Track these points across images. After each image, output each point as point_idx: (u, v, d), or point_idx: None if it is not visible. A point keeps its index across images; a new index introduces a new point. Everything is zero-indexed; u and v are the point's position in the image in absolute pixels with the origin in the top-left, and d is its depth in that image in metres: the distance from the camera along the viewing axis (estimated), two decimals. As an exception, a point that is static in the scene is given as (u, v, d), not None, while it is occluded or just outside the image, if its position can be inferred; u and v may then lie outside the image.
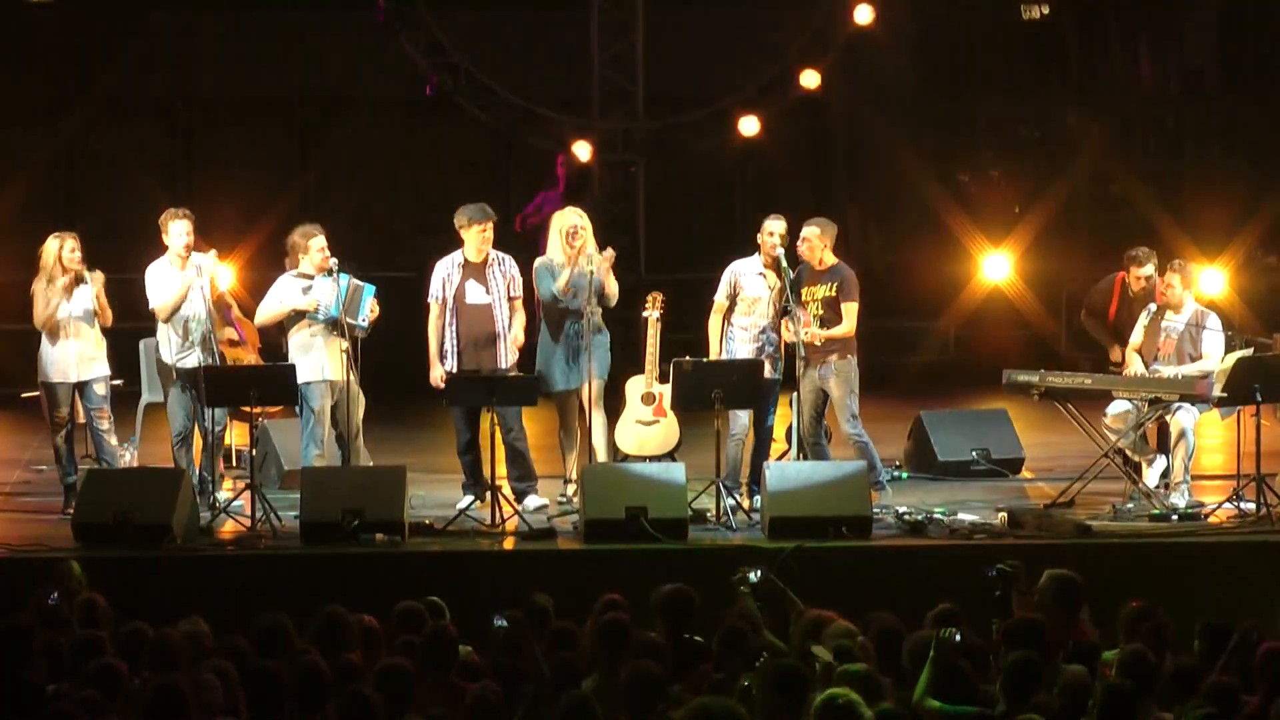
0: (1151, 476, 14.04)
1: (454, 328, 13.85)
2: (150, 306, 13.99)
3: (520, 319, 13.93)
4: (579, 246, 13.89)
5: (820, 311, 13.79)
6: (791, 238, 13.91)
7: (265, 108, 21.51)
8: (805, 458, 13.87)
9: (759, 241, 13.94)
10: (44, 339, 13.88)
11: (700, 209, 22.11)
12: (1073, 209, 22.03)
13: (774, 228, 13.89)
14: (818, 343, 13.69)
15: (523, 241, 18.04)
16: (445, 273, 13.88)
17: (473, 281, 13.86)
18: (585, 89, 20.66)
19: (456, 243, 13.97)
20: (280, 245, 14.33)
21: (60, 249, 13.82)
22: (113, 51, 20.87)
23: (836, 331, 13.75)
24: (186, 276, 13.85)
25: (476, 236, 13.84)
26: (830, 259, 13.90)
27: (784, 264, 13.84)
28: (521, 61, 21.16)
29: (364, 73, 21.08)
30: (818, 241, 13.85)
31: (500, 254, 13.97)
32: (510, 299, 13.90)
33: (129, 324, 14.35)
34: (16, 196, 20.34)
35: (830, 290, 13.82)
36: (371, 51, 20.75)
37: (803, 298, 13.80)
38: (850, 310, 13.80)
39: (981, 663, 9.23)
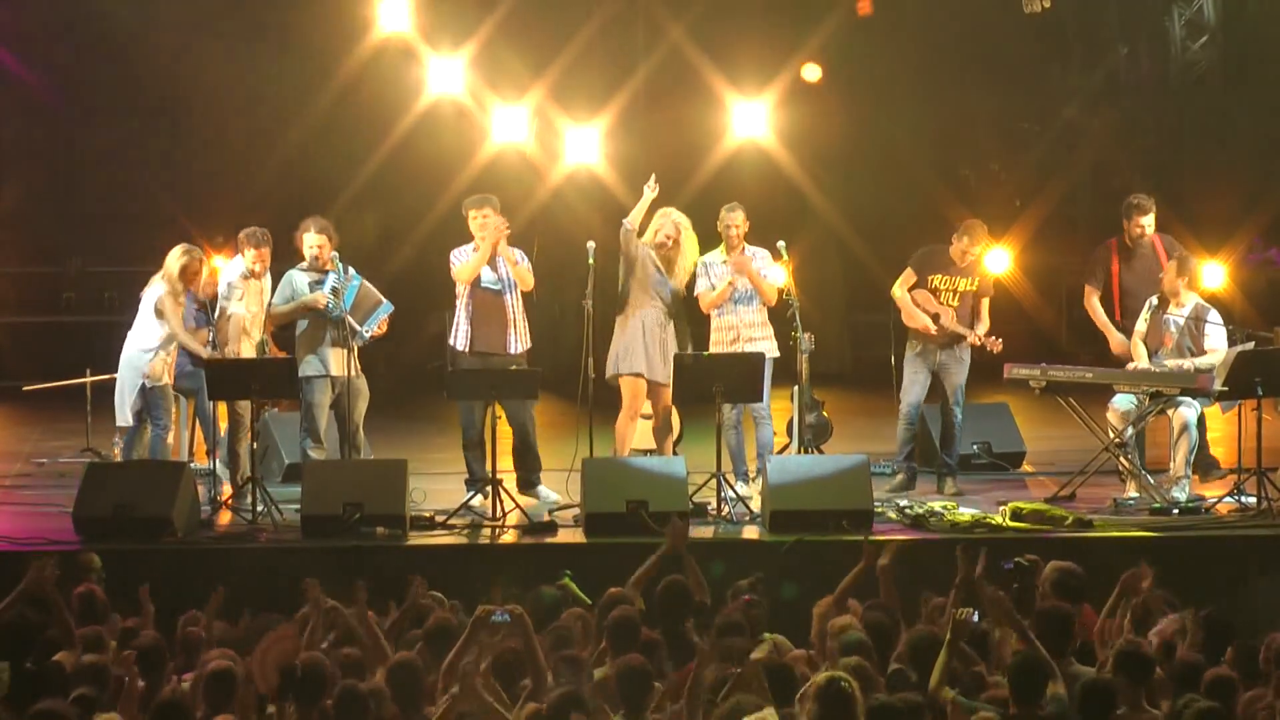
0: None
1: (468, 308, 13.87)
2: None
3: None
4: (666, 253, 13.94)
5: (956, 303, 13.97)
6: (776, 246, 13.98)
7: (266, 105, 21.46)
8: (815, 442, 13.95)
9: (719, 232, 14.07)
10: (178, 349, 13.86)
11: (702, 205, 22.06)
12: (1073, 203, 22.00)
13: (731, 219, 14.05)
14: (995, 349, 14.03)
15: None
16: (463, 258, 13.93)
17: (485, 268, 13.89)
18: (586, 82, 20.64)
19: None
20: (282, 244, 14.28)
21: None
22: (116, 47, 20.84)
23: (986, 325, 14.12)
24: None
25: (471, 224, 13.86)
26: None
27: (785, 254, 13.92)
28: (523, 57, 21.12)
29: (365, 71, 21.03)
30: (974, 248, 14.15)
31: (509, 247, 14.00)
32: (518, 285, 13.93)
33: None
34: (17, 189, 20.35)
35: (972, 285, 13.96)
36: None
37: (937, 285, 14.04)
38: (987, 305, 14.19)
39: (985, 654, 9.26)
